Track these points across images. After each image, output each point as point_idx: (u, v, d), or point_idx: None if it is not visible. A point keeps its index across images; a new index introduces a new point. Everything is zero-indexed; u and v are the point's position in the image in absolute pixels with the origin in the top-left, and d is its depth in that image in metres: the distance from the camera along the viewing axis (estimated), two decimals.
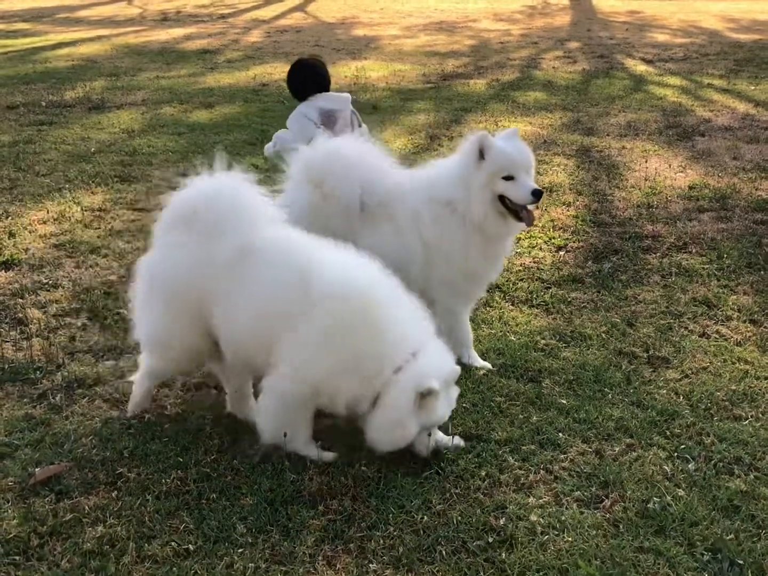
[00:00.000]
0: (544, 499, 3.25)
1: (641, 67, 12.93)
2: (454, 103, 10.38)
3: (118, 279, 5.21)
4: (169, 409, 3.90)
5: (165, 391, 4.05)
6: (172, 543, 3.01)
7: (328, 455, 3.50)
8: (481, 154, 4.08)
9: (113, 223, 6.23)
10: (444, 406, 3.42)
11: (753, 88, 11.33)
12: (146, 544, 3.01)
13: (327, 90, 5.74)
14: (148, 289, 3.66)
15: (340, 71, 12.46)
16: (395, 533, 3.06)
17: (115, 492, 3.29)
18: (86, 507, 3.20)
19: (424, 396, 3.29)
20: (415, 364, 3.35)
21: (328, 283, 3.34)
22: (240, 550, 2.97)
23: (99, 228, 6.13)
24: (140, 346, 3.82)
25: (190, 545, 3.00)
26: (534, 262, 5.62)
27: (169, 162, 7.80)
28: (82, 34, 16.52)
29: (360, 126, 5.75)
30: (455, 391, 3.51)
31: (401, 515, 3.15)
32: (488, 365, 4.29)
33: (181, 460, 3.49)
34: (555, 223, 6.29)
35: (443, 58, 13.75)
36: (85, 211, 6.47)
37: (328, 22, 18.71)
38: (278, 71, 12.48)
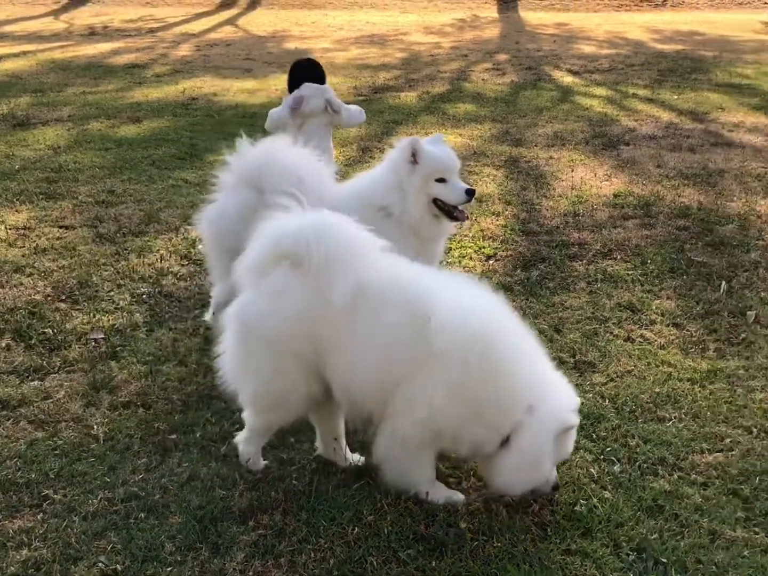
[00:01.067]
0: (475, 506, 3.28)
1: (568, 79, 13.17)
2: (386, 116, 10.43)
3: (44, 298, 5.12)
4: (95, 429, 3.83)
5: (92, 410, 3.98)
6: (99, 564, 2.97)
7: (459, 496, 3.32)
8: (414, 159, 4.19)
9: (38, 241, 6.11)
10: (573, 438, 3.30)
11: (676, 97, 11.62)
12: (72, 566, 2.96)
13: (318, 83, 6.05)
14: (248, 343, 3.28)
15: (271, 84, 12.44)
16: (326, 546, 3.06)
17: (41, 514, 3.23)
18: (10, 530, 3.13)
19: (563, 432, 3.16)
20: (547, 401, 3.15)
21: (449, 332, 3.07)
22: (168, 569, 2.94)
23: (23, 246, 6.01)
24: (243, 405, 3.46)
25: (117, 565, 2.96)
26: (464, 272, 5.68)
27: (96, 178, 7.69)
28: (7, 50, 16.20)
29: (337, 112, 5.95)
30: None
31: (332, 528, 3.14)
32: None
33: (108, 480, 3.45)
34: (485, 233, 6.37)
35: (374, 70, 13.83)
36: (9, 229, 6.33)
37: (258, 35, 18.67)
38: (208, 85, 12.42)
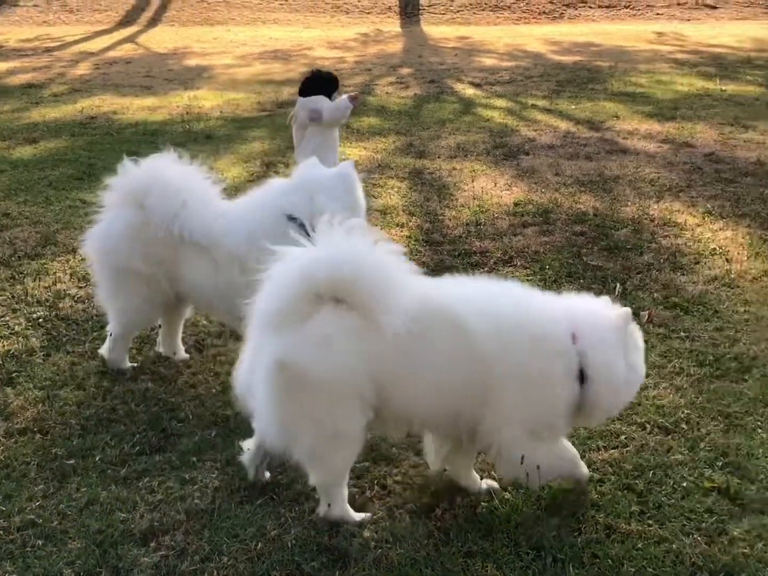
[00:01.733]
0: (378, 514, 3.31)
1: (470, 91, 13.40)
2: (290, 131, 10.42)
3: None
4: None
5: None
6: None
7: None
8: None
9: None
10: None
11: (573, 107, 11.94)
12: None
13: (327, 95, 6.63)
14: (302, 392, 3.00)
15: (172, 101, 12.30)
16: (229, 563, 3.04)
17: None
18: None
19: (624, 324, 3.22)
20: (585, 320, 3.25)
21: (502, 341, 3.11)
22: None
23: None
24: (302, 460, 3.18)
25: None
26: None
27: None
28: None
29: (316, 119, 6.56)
30: None
31: (235, 544, 3.13)
32: None
33: (4, 509, 3.36)
34: None
35: (278, 86, 13.81)
36: None
37: (159, 52, 18.44)
38: (107, 103, 12.20)
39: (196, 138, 9.93)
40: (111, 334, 4.49)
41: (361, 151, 9.33)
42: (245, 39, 20.25)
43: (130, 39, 20.94)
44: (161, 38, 20.72)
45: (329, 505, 3.20)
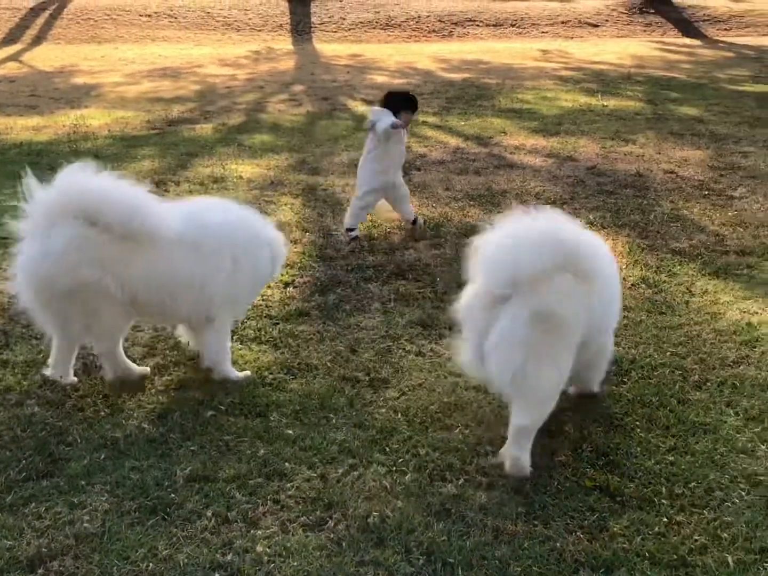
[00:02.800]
0: (272, 529, 3.32)
1: (363, 108, 13.53)
2: (181, 148, 10.34)
3: None
4: None
5: None
6: None
7: None
8: None
9: None
10: None
11: (463, 123, 12.21)
12: None
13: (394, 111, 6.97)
14: (561, 339, 3.70)
15: (59, 120, 12.02)
16: None
17: None
18: None
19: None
20: None
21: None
22: None
23: None
24: (531, 401, 3.73)
25: None
26: (262, 300, 5.71)
27: None
28: None
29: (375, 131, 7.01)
30: None
31: (126, 566, 3.09)
32: (248, 373, 4.65)
33: None
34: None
35: (168, 103, 13.65)
36: None
37: (45, 70, 17.97)
38: None
39: (83, 157, 9.69)
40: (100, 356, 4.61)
41: (254, 168, 9.33)
42: (134, 57, 19.92)
43: (14, 57, 20.33)
44: (47, 56, 20.19)
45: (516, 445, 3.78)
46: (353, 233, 7.00)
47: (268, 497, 3.54)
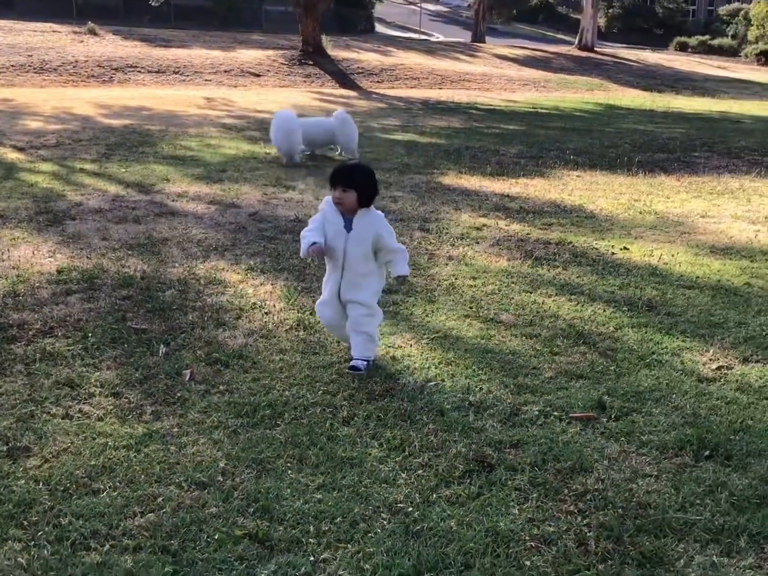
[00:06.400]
0: None
1: (12, 155, 12.74)
2: None
3: None
4: None
5: None
6: None
7: None
8: None
9: None
10: None
11: (123, 170, 11.92)
12: None
13: None
14: None
15: None
16: None
17: None
18: None
19: None
20: None
21: None
22: None
23: None
24: None
25: None
26: None
27: None
28: None
29: None
30: None
31: None
32: None
33: None
34: None
35: None
36: None
37: None
38: None
39: None
40: None
41: None
42: None
43: None
44: None
45: None
46: None
47: None
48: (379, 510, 3.82)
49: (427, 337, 5.97)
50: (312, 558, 3.46)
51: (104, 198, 10.16)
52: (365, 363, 5.33)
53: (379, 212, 5.42)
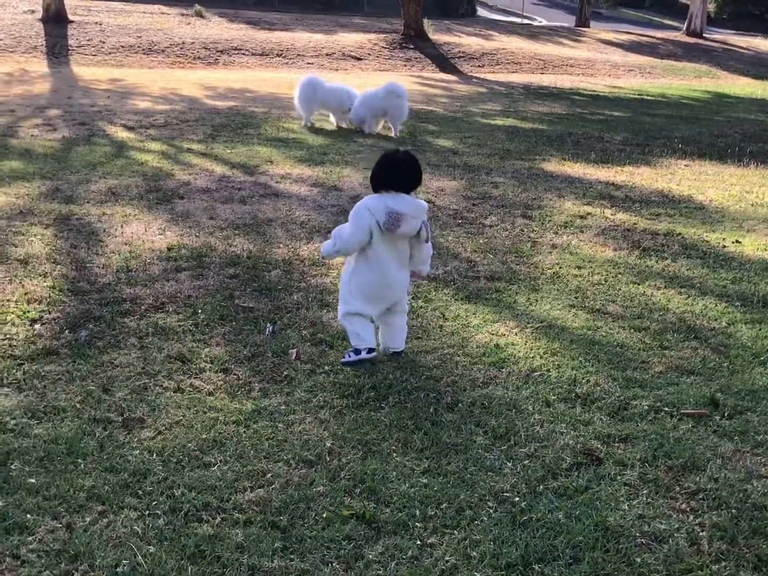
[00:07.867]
0: None
1: (123, 134, 13.10)
2: None
3: None
4: None
5: None
6: None
7: None
8: None
9: None
10: None
11: (229, 151, 12.11)
12: None
13: (407, 190, 5.12)
14: None
15: None
16: None
17: None
18: None
19: None
20: None
21: None
22: None
23: None
24: None
25: None
26: (5, 339, 5.33)
27: None
28: None
29: (427, 242, 5.18)
30: None
31: None
32: None
33: None
34: (30, 296, 6.05)
35: None
36: None
37: None
38: None
39: None
40: None
41: (1, 197, 8.74)
42: None
43: None
44: None
45: None
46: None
47: (7, 553, 3.26)
48: (485, 498, 3.80)
49: (532, 326, 5.89)
50: (419, 542, 3.46)
51: (211, 178, 10.35)
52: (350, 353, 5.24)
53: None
